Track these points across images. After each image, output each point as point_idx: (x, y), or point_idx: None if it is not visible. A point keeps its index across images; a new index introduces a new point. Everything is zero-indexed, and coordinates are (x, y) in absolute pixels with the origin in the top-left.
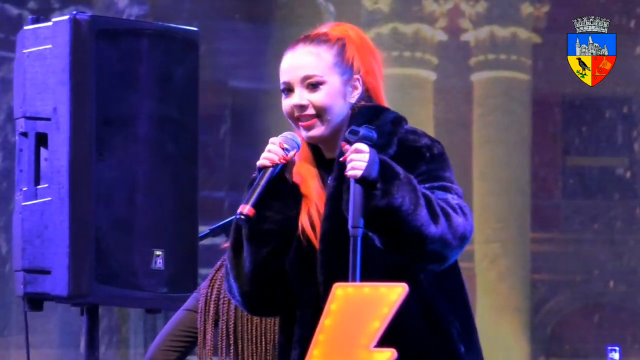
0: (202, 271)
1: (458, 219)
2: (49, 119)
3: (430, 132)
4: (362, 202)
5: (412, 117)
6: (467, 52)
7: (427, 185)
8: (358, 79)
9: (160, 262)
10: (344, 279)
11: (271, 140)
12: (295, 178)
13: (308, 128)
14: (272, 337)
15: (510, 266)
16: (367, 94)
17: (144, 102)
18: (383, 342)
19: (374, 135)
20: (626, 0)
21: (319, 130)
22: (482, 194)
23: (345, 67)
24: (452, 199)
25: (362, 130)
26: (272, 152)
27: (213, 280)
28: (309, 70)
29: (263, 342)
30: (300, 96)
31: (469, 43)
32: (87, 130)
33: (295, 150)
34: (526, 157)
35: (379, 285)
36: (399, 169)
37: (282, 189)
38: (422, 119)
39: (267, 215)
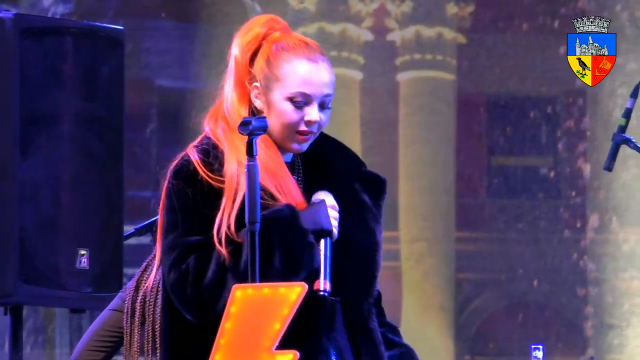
0: (127, 271)
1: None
2: None
3: (357, 131)
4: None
5: (339, 116)
6: (393, 52)
7: None
8: None
9: (85, 262)
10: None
11: (328, 202)
12: (272, 181)
13: (305, 142)
14: None
15: (435, 265)
16: None
17: (69, 100)
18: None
19: (267, 124)
20: (550, 1)
21: (308, 144)
22: (408, 193)
23: None
24: None
25: (254, 122)
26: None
27: (139, 281)
28: (331, 90)
29: None
30: (318, 113)
31: (395, 43)
32: (12, 128)
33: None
34: (451, 156)
35: (278, 286)
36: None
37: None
38: (349, 119)
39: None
